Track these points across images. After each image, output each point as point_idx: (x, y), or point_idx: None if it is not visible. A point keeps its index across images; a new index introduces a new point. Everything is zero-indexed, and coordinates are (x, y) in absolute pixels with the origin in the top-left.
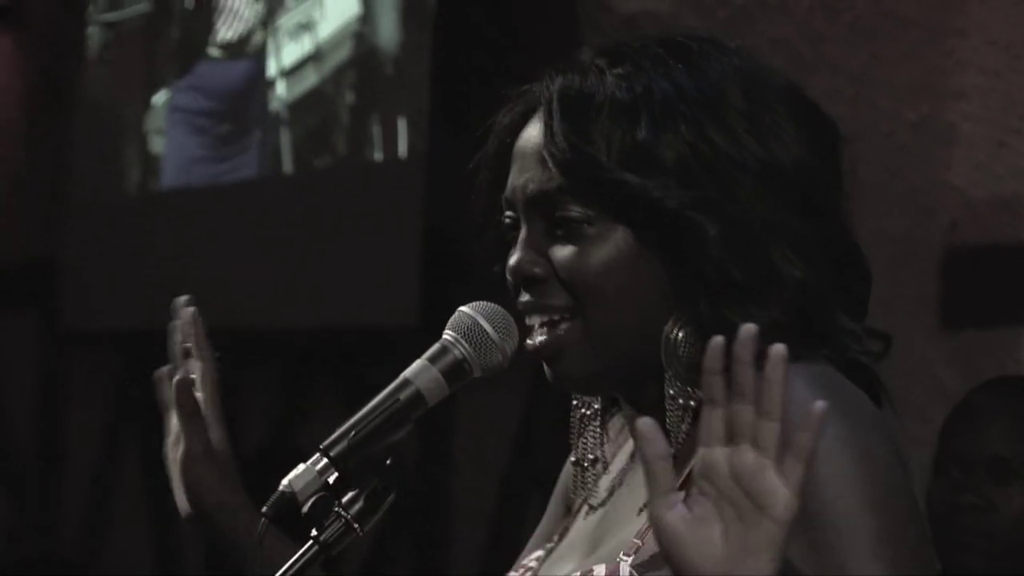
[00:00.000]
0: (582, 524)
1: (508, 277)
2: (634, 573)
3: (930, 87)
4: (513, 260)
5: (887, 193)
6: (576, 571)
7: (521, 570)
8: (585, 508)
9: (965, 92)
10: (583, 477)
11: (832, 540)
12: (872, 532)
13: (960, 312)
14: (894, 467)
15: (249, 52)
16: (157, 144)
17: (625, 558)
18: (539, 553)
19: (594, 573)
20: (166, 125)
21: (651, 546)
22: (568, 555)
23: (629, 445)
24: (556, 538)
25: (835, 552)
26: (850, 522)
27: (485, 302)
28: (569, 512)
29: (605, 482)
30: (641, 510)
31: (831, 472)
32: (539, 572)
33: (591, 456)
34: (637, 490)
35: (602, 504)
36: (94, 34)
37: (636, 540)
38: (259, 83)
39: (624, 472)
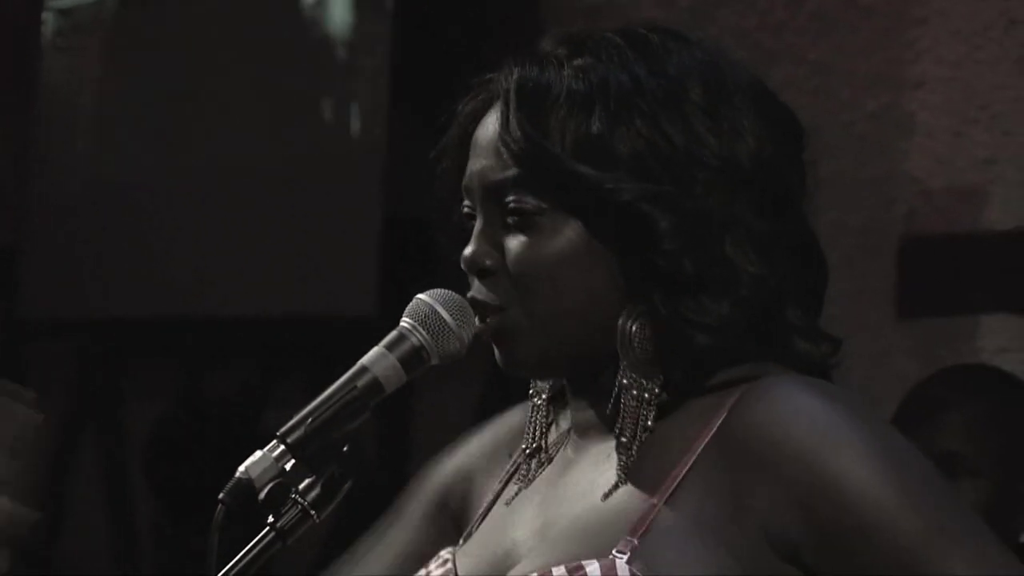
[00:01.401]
0: (504, 506)
1: (462, 267)
2: (635, 573)
3: (890, 77)
4: (467, 251)
5: (847, 184)
6: (541, 555)
7: (434, 564)
8: (508, 494)
9: (925, 82)
10: (523, 468)
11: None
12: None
13: (918, 302)
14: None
15: None
16: (115, 131)
17: (620, 555)
18: (450, 549)
19: (584, 567)
20: (122, 112)
21: (652, 547)
22: (503, 534)
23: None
24: (469, 528)
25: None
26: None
27: (443, 290)
28: (454, 511)
29: (534, 464)
30: (606, 496)
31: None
32: (463, 556)
33: (534, 445)
34: (586, 474)
35: (532, 486)
36: (49, 20)
37: (630, 539)
38: None
39: (555, 449)
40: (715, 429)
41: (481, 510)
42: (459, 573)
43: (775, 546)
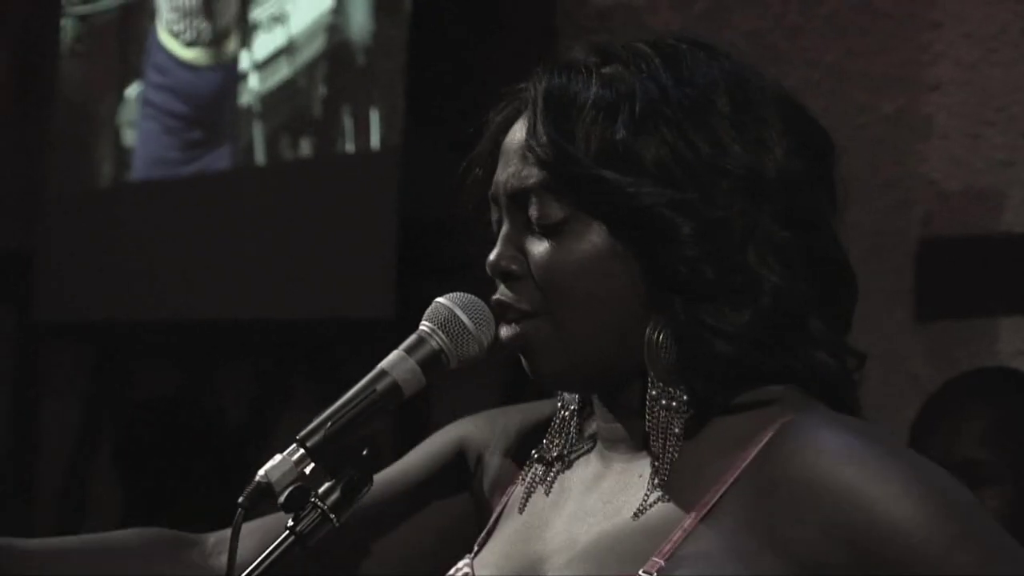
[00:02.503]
0: (526, 518)
1: (488, 271)
2: None
3: (906, 80)
4: (492, 256)
5: (863, 186)
6: (572, 571)
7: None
8: (524, 502)
9: (941, 85)
10: (541, 473)
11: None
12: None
13: (935, 305)
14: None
15: (223, 59)
16: (130, 137)
17: None
18: (466, 559)
19: None
20: (138, 119)
21: (681, 568)
22: (527, 548)
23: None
24: (482, 536)
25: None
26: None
27: (462, 293)
28: (484, 501)
29: (558, 477)
30: (637, 515)
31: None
32: (485, 570)
33: (555, 453)
34: (616, 491)
35: (554, 499)
36: (67, 26)
37: (657, 559)
38: (231, 88)
39: (581, 469)
40: (750, 459)
41: (497, 509)
42: None
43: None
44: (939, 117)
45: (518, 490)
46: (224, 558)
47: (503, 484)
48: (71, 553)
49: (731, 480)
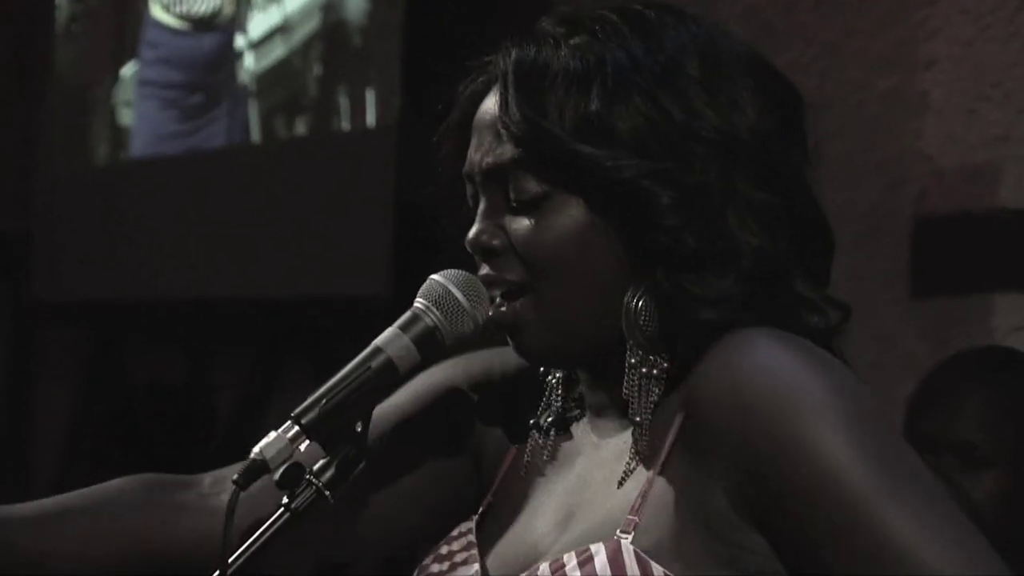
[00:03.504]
0: (526, 488)
1: (467, 249)
2: (638, 552)
3: (901, 57)
4: (471, 233)
5: (858, 164)
6: (563, 548)
7: (457, 543)
8: (525, 470)
9: (936, 61)
10: (540, 442)
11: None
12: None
13: (930, 282)
14: (881, 413)
15: (218, 24)
16: (126, 116)
17: (624, 536)
18: (468, 524)
19: (592, 551)
20: (135, 99)
21: (649, 521)
22: (528, 524)
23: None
24: (487, 501)
25: (856, 526)
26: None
27: (456, 270)
28: (484, 461)
29: (557, 446)
30: (621, 483)
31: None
32: (488, 541)
33: (551, 419)
34: (608, 462)
35: (554, 470)
36: (62, 7)
37: (632, 516)
38: (228, 53)
39: (578, 439)
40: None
41: (500, 474)
42: (489, 570)
43: (740, 513)
44: (935, 94)
45: (519, 457)
46: (224, 498)
47: (504, 446)
48: (69, 512)
49: (681, 419)
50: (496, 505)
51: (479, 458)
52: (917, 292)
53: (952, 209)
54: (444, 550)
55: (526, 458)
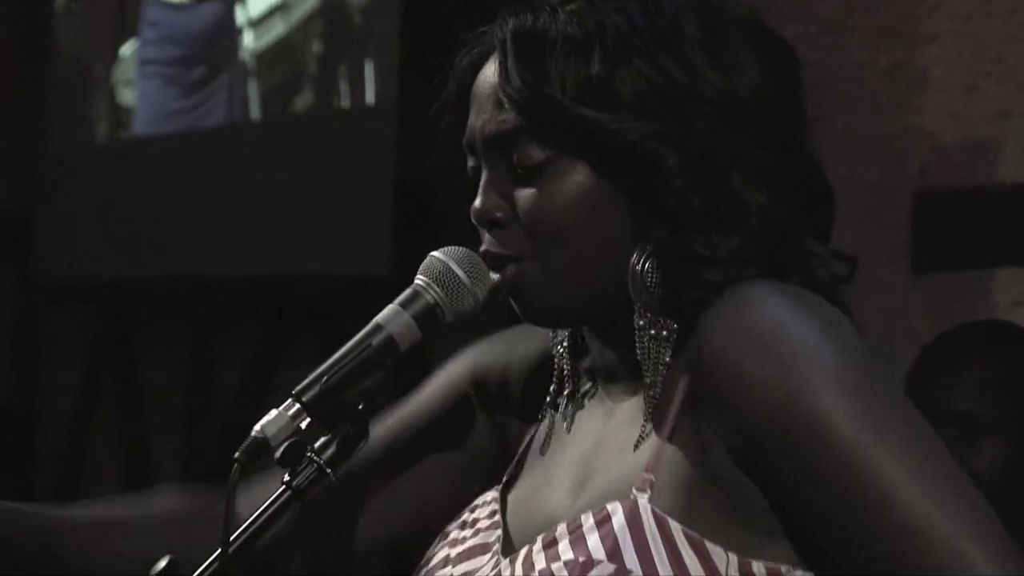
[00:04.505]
0: (546, 459)
1: (472, 220)
2: (655, 510)
3: (902, 33)
4: (476, 204)
5: (859, 140)
6: (581, 508)
7: (480, 511)
8: (544, 442)
9: (937, 37)
10: (559, 415)
11: (835, 465)
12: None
13: (932, 257)
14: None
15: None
16: (126, 95)
17: (641, 494)
18: (492, 494)
19: (609, 510)
20: (136, 77)
21: (664, 481)
22: (547, 490)
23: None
24: (509, 472)
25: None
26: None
27: (457, 247)
28: (503, 433)
29: (574, 417)
30: (637, 445)
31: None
32: (511, 509)
33: (565, 392)
34: (623, 425)
35: (571, 438)
36: None
37: (648, 475)
38: (227, 26)
39: (593, 406)
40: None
41: (522, 447)
42: (512, 535)
43: (747, 471)
44: (935, 70)
45: (540, 430)
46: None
47: (527, 420)
48: (115, 527)
49: (685, 384)
50: (517, 476)
51: (503, 435)
52: (919, 267)
53: (953, 184)
54: (468, 517)
55: (545, 431)
